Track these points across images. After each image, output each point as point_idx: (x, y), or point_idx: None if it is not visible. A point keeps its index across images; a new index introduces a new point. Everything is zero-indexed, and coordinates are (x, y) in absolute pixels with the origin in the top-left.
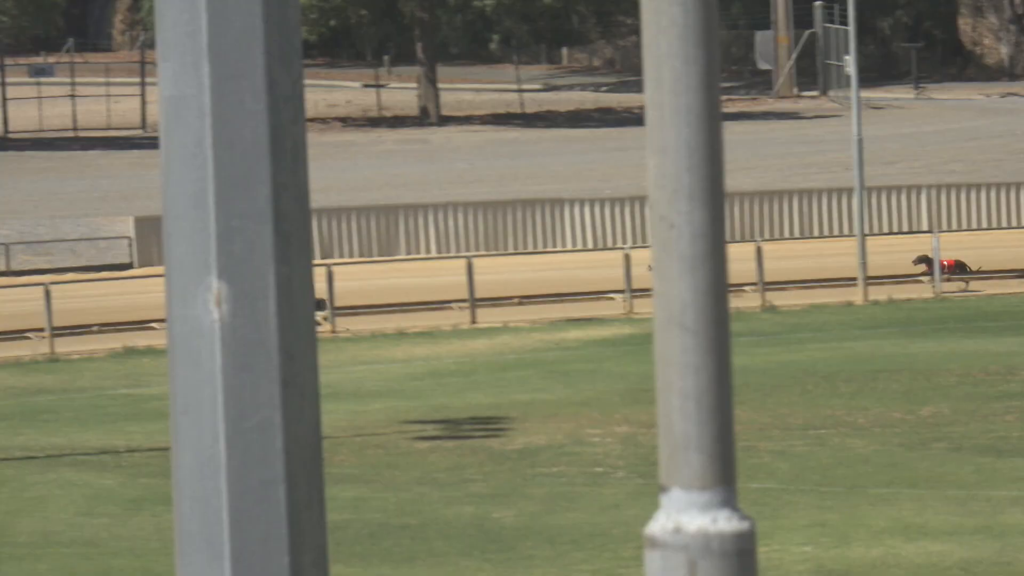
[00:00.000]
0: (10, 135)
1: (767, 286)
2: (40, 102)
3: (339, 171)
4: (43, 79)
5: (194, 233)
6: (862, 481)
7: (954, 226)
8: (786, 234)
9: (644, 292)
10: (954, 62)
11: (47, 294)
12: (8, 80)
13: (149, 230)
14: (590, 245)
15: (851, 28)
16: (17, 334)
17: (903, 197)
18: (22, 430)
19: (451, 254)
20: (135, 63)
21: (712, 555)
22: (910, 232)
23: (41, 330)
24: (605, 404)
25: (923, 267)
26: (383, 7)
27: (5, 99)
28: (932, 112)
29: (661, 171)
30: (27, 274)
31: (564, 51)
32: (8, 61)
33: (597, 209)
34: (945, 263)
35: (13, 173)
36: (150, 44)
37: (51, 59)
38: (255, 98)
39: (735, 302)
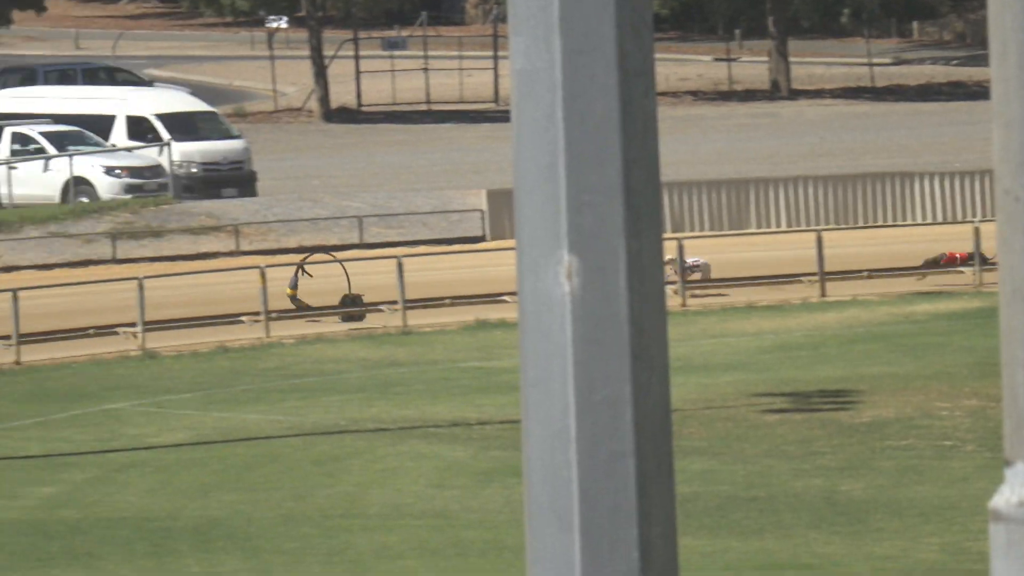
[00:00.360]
0: (364, 108)
1: None
2: (393, 75)
3: (690, 145)
4: (396, 52)
5: (545, 207)
6: None
7: None
8: None
9: (994, 266)
10: None
11: (399, 267)
12: (362, 54)
13: (501, 203)
14: (939, 218)
15: None
16: (371, 306)
17: None
18: (374, 402)
19: (801, 227)
20: (487, 37)
21: None
22: None
23: (394, 303)
24: (954, 377)
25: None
26: None
27: (359, 72)
28: None
29: (1006, 144)
30: (380, 247)
31: (915, 24)
32: (362, 35)
33: (947, 182)
34: (958, 256)
35: (367, 146)
36: (503, 18)
37: (404, 33)
38: (606, 72)
39: None
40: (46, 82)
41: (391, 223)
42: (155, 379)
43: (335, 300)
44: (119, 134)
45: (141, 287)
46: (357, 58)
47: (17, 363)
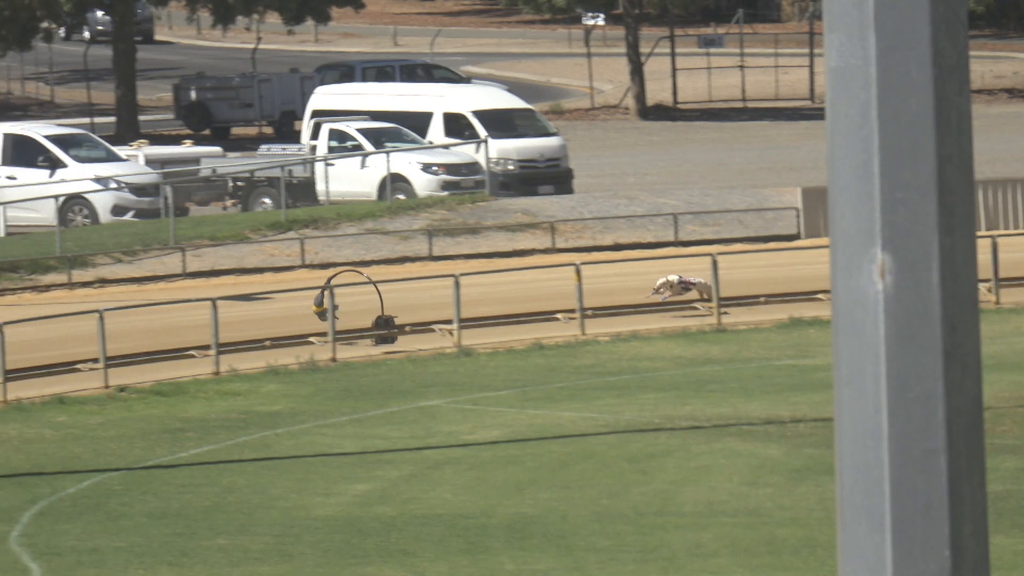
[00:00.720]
0: (679, 105)
1: None
2: (709, 72)
3: (1005, 143)
4: (712, 50)
5: (859, 204)
6: None
7: None
8: None
9: None
10: None
11: (714, 265)
12: (678, 51)
13: (815, 201)
14: None
15: None
16: (685, 304)
17: None
18: (688, 400)
19: None
20: (803, 34)
21: None
22: None
23: (708, 301)
24: None
25: None
26: None
27: (675, 69)
28: None
29: None
30: (694, 244)
31: None
32: (678, 32)
33: None
34: None
35: (682, 143)
36: (818, 15)
37: (720, 30)
38: (920, 69)
39: None
40: (364, 79)
41: (706, 220)
42: (470, 376)
43: (365, 320)
44: (436, 131)
45: (457, 284)
46: (673, 55)
47: (333, 360)
